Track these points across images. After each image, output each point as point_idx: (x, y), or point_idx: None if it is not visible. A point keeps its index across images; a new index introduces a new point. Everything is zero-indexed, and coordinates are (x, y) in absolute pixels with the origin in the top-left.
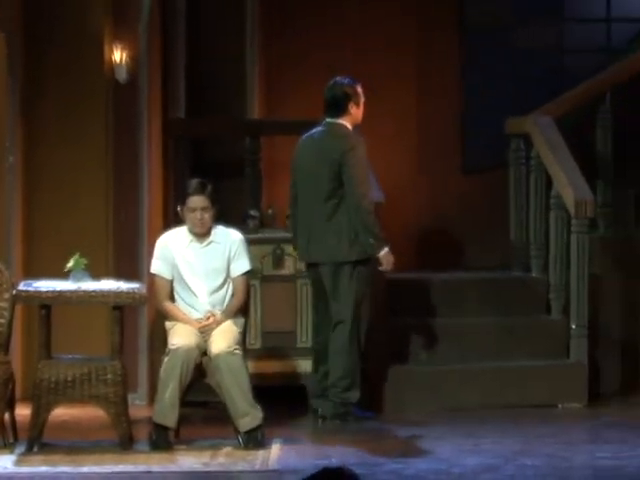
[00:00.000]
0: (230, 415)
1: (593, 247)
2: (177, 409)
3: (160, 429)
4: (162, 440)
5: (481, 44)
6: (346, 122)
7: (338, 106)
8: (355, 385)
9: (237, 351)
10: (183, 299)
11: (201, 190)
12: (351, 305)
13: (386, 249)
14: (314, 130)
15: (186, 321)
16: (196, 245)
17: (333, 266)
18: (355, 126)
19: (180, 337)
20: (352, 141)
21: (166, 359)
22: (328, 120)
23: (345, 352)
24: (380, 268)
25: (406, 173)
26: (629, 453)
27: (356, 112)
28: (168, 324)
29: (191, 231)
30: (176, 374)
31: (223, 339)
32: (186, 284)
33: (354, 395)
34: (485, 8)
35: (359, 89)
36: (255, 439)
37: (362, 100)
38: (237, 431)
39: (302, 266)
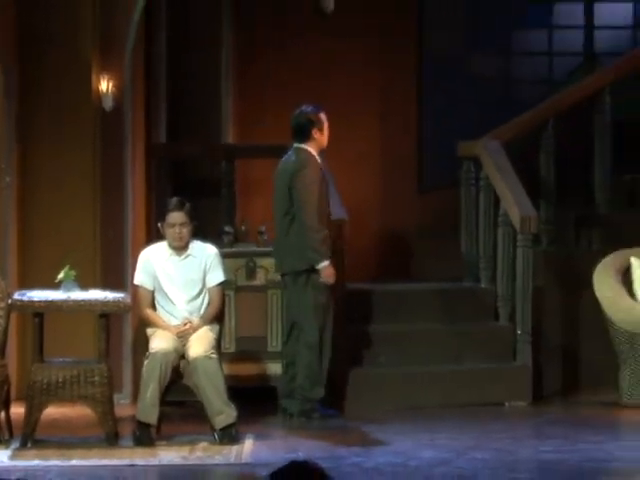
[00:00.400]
0: (206, 413)
1: (537, 261)
2: (158, 407)
3: (143, 426)
4: (145, 436)
5: (438, 73)
6: (310, 147)
7: (302, 132)
8: (318, 384)
9: (213, 355)
10: (163, 307)
11: (180, 207)
12: (310, 311)
13: (326, 262)
14: (287, 154)
15: (165, 327)
16: (175, 258)
17: (292, 276)
18: (321, 150)
19: (159, 342)
20: (303, 164)
21: (146, 362)
22: (295, 145)
23: (306, 354)
24: (320, 280)
25: (368, 193)
26: (570, 447)
27: (320, 137)
28: (149, 330)
29: (170, 245)
30: (155, 375)
31: (200, 344)
32: (166, 294)
33: (317, 393)
34: (442, 39)
35: (322, 116)
36: (229, 435)
37: (325, 126)
38: (213, 428)
39: (273, 277)
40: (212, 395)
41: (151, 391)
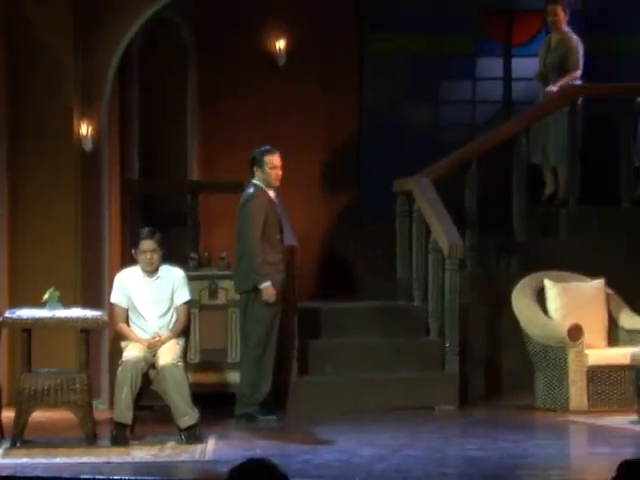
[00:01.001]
0: (173, 415)
1: (463, 282)
2: (131, 410)
3: (119, 426)
4: (120, 436)
5: (375, 119)
6: (260, 182)
7: (252, 169)
8: (258, 391)
9: (180, 364)
10: (135, 323)
11: (151, 236)
12: (254, 326)
13: (266, 284)
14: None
15: (137, 340)
16: (147, 280)
17: (242, 295)
18: (273, 185)
19: (130, 351)
20: (249, 197)
21: (119, 369)
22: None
23: (247, 363)
24: (262, 299)
25: (316, 223)
26: (492, 446)
27: (263, 175)
28: (123, 343)
29: (143, 269)
30: (127, 380)
31: (169, 354)
32: (138, 311)
33: (257, 398)
34: (379, 90)
35: (271, 157)
36: (194, 435)
37: (273, 165)
38: (179, 429)
39: (233, 297)
40: (178, 399)
41: (125, 394)
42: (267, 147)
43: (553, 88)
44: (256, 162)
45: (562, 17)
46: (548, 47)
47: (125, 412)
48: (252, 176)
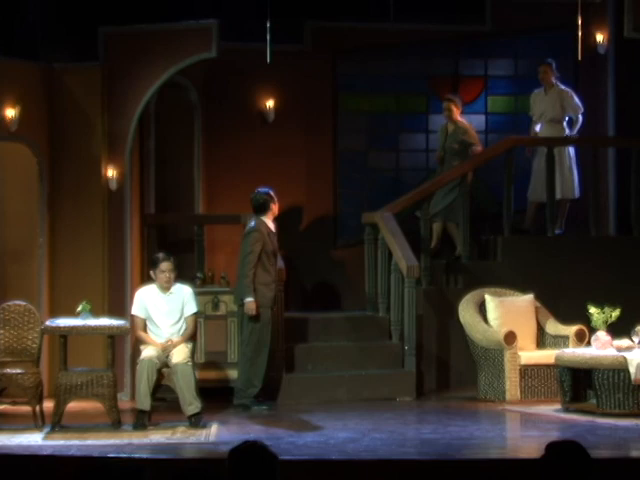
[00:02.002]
0: (181, 405)
1: (418, 297)
2: (149, 398)
3: (140, 413)
4: (140, 423)
5: (348, 163)
6: (265, 217)
7: (262, 207)
8: (252, 386)
9: (189, 363)
10: (152, 331)
11: (168, 258)
12: (250, 333)
13: (249, 299)
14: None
15: (153, 344)
16: (162, 295)
17: (240, 307)
18: (274, 218)
19: (146, 352)
20: (252, 230)
21: (138, 366)
22: (255, 215)
23: (244, 363)
24: (244, 311)
25: (300, 248)
26: (443, 430)
27: (274, 209)
28: (142, 347)
29: (160, 286)
30: (144, 375)
31: (180, 355)
32: (154, 321)
33: (251, 392)
34: (350, 140)
35: (275, 201)
36: (199, 422)
37: (276, 201)
38: (187, 417)
39: (232, 309)
40: (186, 391)
41: (142, 385)
42: (270, 192)
43: (478, 148)
44: (269, 200)
45: (456, 112)
46: (446, 134)
47: (143, 400)
48: (258, 212)
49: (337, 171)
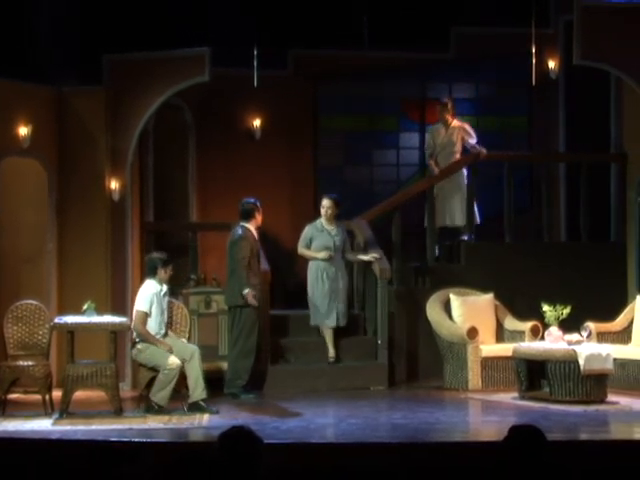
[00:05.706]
0: (190, 391)
1: (390, 296)
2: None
3: (158, 405)
4: (153, 409)
5: (326, 177)
6: (250, 225)
7: (248, 215)
8: (240, 377)
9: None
10: (151, 327)
11: (171, 261)
12: (240, 331)
13: (246, 290)
14: (235, 228)
15: (158, 342)
16: (160, 293)
17: (231, 309)
18: (258, 226)
19: (174, 359)
20: (241, 237)
21: (167, 371)
22: (240, 223)
23: (233, 357)
24: (248, 301)
25: (284, 253)
26: (412, 415)
27: (258, 218)
28: (141, 345)
29: (165, 282)
30: (174, 380)
31: (188, 347)
32: (153, 314)
33: (239, 383)
34: (329, 155)
35: (260, 211)
36: (199, 406)
37: (260, 211)
38: (193, 402)
39: (222, 307)
40: (201, 377)
41: (169, 389)
42: (257, 203)
43: (457, 156)
44: (254, 209)
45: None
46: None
47: (166, 399)
48: (244, 220)
49: (317, 183)
